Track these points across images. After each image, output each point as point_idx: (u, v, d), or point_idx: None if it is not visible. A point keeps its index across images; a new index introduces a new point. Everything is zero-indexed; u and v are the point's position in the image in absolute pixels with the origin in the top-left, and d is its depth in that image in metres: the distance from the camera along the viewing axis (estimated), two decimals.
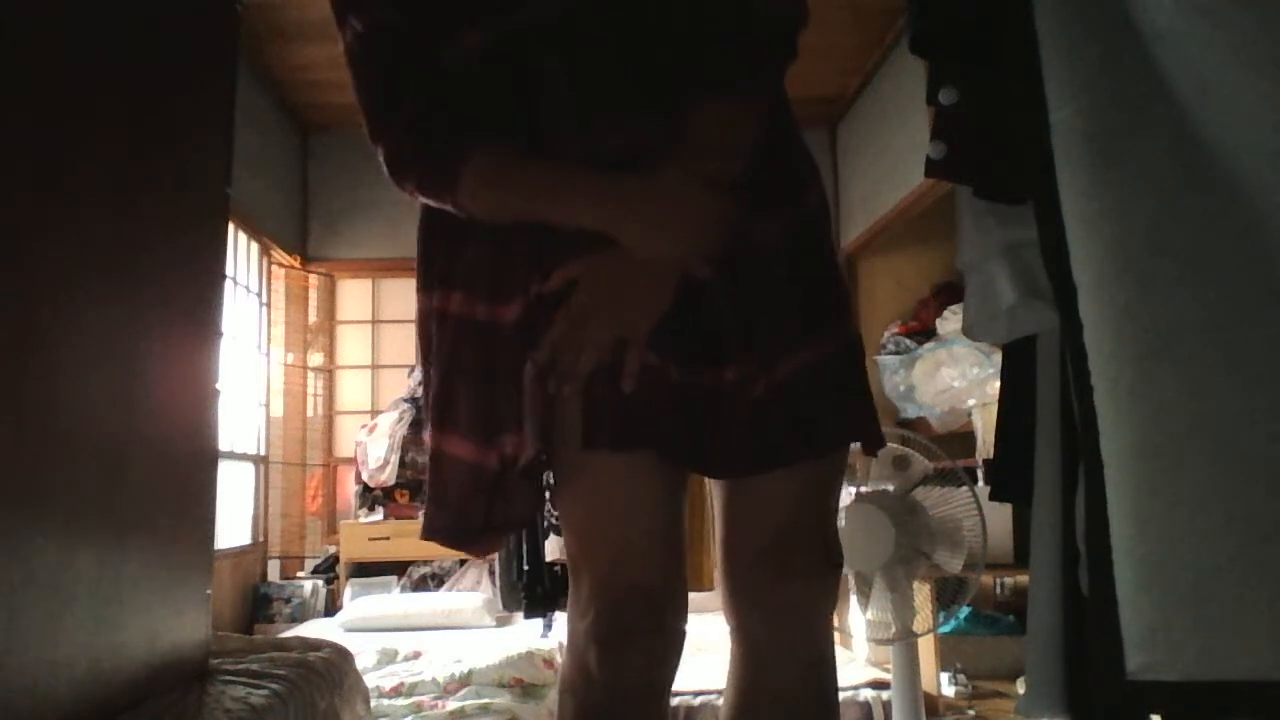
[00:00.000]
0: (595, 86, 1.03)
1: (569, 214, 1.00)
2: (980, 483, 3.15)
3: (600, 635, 1.01)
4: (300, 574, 4.86)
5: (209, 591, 1.37)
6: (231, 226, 2.80)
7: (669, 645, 1.04)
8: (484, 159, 1.03)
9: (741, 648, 1.10)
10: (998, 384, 1.64)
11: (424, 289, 1.12)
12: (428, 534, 1.09)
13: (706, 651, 2.98)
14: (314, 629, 3.97)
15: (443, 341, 1.09)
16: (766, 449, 1.02)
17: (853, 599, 2.55)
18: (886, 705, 2.71)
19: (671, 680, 1.07)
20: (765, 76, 1.05)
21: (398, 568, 4.73)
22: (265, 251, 4.85)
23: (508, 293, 1.05)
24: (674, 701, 2.70)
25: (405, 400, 4.88)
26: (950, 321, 4.12)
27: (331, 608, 4.61)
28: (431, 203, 1.08)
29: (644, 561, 1.02)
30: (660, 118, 1.01)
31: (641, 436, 0.98)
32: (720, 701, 1.26)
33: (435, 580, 4.75)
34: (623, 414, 0.98)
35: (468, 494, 1.06)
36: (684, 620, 1.05)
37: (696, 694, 2.90)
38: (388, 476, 4.71)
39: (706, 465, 1.04)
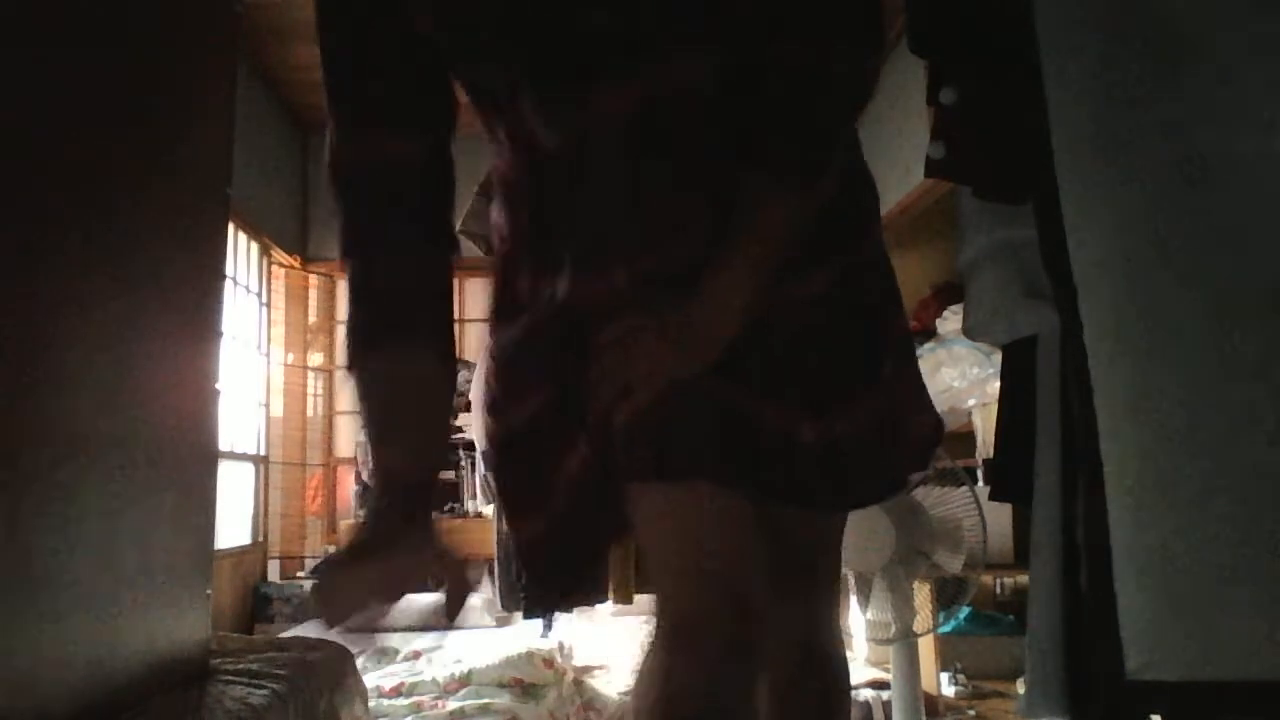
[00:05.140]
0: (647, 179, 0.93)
1: None
2: (980, 483, 3.15)
3: (686, 649, 0.94)
4: (300, 574, 4.86)
5: (209, 591, 1.37)
6: (231, 226, 2.80)
7: (753, 659, 0.97)
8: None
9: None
10: (998, 384, 1.63)
11: None
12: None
13: None
14: (314, 629, 3.95)
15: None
16: (798, 489, 0.99)
17: (853, 599, 2.54)
18: (886, 705, 2.70)
19: (756, 684, 1.00)
20: (836, 157, 0.92)
21: None
22: (265, 251, 4.84)
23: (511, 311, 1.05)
24: None
25: None
26: (950, 321, 4.11)
27: None
28: None
29: (720, 578, 0.96)
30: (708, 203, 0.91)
31: (686, 468, 0.94)
32: None
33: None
34: (666, 445, 0.94)
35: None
36: (764, 631, 0.99)
37: None
38: None
39: (745, 489, 0.97)
